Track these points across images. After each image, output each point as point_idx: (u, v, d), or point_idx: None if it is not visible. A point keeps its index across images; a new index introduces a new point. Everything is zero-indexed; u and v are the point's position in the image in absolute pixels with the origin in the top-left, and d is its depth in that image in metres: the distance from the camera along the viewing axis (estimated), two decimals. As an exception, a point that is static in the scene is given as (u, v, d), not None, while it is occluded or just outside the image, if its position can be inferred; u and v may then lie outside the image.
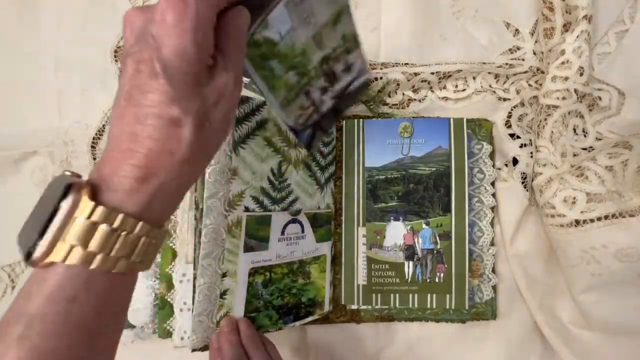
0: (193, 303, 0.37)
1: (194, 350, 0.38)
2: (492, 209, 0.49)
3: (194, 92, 0.21)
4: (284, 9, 0.27)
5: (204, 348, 0.38)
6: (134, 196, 0.21)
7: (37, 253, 0.20)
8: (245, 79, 0.36)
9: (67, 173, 0.22)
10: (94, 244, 0.20)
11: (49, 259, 0.20)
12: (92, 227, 0.20)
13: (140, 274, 0.28)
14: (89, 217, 0.20)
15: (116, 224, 0.21)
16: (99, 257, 0.21)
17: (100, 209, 0.20)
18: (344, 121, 0.49)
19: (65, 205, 0.20)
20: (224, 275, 0.38)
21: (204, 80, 0.21)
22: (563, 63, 0.45)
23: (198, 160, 0.23)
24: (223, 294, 0.38)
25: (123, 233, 0.21)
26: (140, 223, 0.22)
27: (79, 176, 0.22)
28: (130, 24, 0.21)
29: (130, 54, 0.21)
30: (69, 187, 0.20)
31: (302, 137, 0.37)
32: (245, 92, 0.41)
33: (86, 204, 0.20)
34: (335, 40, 0.31)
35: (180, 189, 0.24)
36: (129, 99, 0.21)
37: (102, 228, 0.20)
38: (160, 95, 0.20)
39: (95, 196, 0.21)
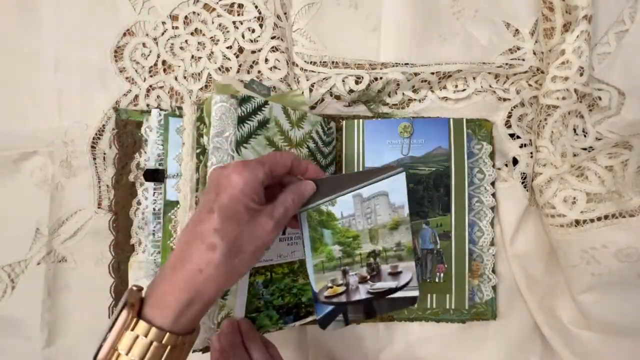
0: None
1: (194, 351, 0.38)
2: (492, 209, 0.49)
3: (234, 227, 0.28)
4: (352, 199, 0.36)
5: (205, 349, 0.38)
6: (167, 312, 0.27)
7: (100, 356, 0.26)
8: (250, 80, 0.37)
9: (134, 288, 0.29)
10: (134, 353, 0.26)
11: None
12: (135, 339, 0.26)
13: (143, 274, 0.30)
14: (133, 329, 0.26)
15: (150, 336, 0.26)
16: None
17: (141, 324, 0.26)
18: (344, 121, 0.49)
19: (119, 320, 0.26)
20: None
21: (247, 218, 0.29)
22: (563, 63, 0.45)
23: (222, 283, 0.28)
24: (224, 295, 0.38)
25: (154, 344, 0.26)
26: (167, 334, 0.27)
27: (140, 289, 0.29)
28: (210, 177, 0.31)
29: (205, 193, 0.30)
30: (125, 304, 0.27)
31: (320, 310, 0.38)
32: (245, 92, 0.41)
33: (131, 318, 0.26)
34: (389, 243, 0.37)
35: (203, 305, 0.28)
36: (191, 224, 0.29)
37: (141, 340, 0.26)
38: (209, 225, 0.28)
39: (141, 310, 0.27)
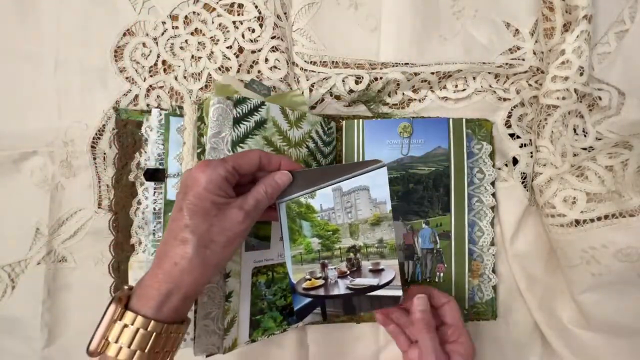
0: (196, 303, 0.37)
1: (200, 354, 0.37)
2: (492, 208, 0.49)
3: (202, 221, 0.30)
4: (331, 192, 0.35)
5: (209, 355, 0.37)
6: (149, 303, 0.29)
7: (91, 347, 0.29)
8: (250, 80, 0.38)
9: (126, 287, 0.31)
10: (123, 341, 0.28)
11: (105, 353, 0.29)
12: (123, 328, 0.29)
13: (143, 274, 0.31)
14: (121, 319, 0.29)
15: (136, 324, 0.28)
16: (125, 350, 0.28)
17: (128, 314, 0.29)
18: (344, 121, 0.49)
19: (107, 313, 0.29)
20: (227, 275, 0.38)
21: (214, 212, 0.30)
22: (563, 63, 0.45)
23: (198, 274, 0.30)
24: (228, 297, 0.38)
25: (140, 331, 0.28)
26: (152, 322, 0.29)
27: (131, 288, 0.31)
28: (181, 178, 0.33)
29: (177, 194, 0.32)
30: (113, 298, 0.29)
31: (297, 301, 0.38)
32: (245, 92, 0.41)
33: (119, 310, 0.29)
34: (370, 239, 0.36)
35: (183, 297, 0.30)
36: (169, 225, 0.31)
37: (129, 328, 0.28)
38: (180, 222, 0.30)
39: (128, 303, 0.29)
